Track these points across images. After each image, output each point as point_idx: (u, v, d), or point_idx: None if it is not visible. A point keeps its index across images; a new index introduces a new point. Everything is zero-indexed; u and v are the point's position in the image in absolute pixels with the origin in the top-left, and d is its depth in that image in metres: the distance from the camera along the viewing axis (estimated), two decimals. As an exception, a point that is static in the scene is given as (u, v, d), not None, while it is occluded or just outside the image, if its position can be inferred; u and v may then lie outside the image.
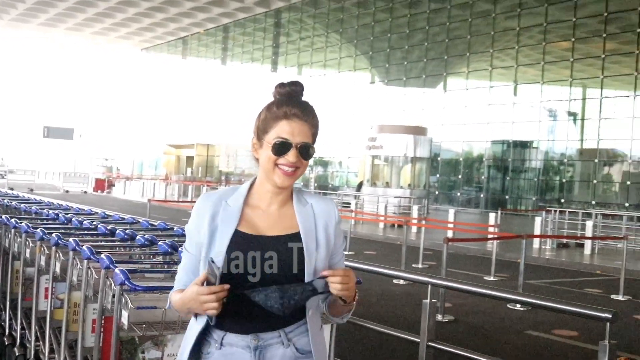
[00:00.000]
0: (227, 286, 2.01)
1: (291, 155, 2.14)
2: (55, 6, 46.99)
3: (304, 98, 2.23)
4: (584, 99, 31.33)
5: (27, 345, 5.31)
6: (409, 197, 26.82)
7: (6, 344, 5.68)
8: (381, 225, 23.07)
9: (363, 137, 29.75)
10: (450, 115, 35.25)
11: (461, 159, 35.89)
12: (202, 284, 2.02)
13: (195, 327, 2.18)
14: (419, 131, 29.00)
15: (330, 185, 41.39)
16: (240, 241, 2.12)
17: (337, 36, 42.92)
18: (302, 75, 44.44)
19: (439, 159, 35.97)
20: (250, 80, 48.40)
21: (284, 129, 2.15)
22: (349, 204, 25.96)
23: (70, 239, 4.36)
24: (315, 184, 40.05)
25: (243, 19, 48.12)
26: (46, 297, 5.02)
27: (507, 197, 33.59)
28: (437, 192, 35.97)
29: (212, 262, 2.00)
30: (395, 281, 11.53)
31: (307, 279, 2.09)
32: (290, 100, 2.18)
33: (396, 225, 22.71)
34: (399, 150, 27.88)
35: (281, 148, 2.14)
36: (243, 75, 49.72)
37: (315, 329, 2.18)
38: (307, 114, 2.17)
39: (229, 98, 49.35)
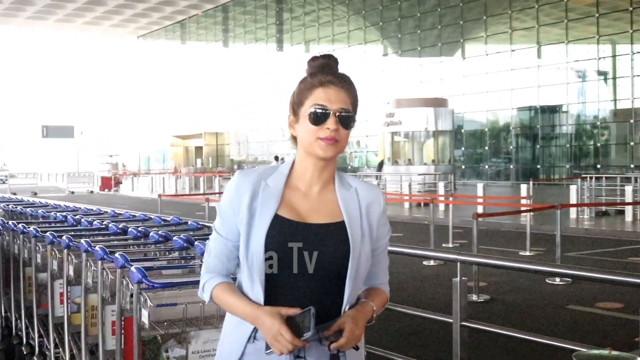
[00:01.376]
0: (307, 344, 2.00)
1: (330, 123, 2.09)
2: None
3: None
4: (613, 56, 31.05)
5: (47, 353, 5.42)
6: (433, 173, 26.78)
7: (24, 353, 5.80)
8: (406, 205, 23.06)
9: (380, 114, 29.67)
10: (471, 84, 35.08)
11: (486, 130, 35.75)
12: (285, 320, 2.00)
13: (243, 329, 2.15)
14: (439, 103, 28.91)
15: (349, 167, 41.41)
16: (280, 227, 2.10)
17: (344, 8, 42.77)
18: (310, 53, 44.35)
19: (462, 131, 35.85)
20: (256, 62, 48.39)
21: (319, 97, 2.12)
22: (371, 185, 25.88)
23: (82, 240, 4.44)
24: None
25: (243, -4, 48.15)
26: (62, 302, 5.11)
27: (538, 166, 33.46)
28: (463, 167, 35.89)
29: (313, 315, 1.96)
30: (425, 262, 11.56)
31: (350, 271, 2.08)
32: (325, 68, 2.16)
33: (422, 204, 22.68)
34: (419, 124, 27.81)
35: (319, 117, 2.10)
36: (247, 56, 49.70)
37: None
38: (343, 81, 2.15)
39: (234, 82, 49.41)
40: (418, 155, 28.66)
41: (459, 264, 4.11)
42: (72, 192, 38.58)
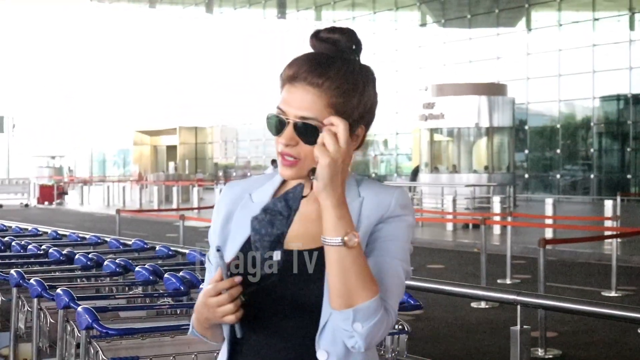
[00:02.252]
0: (238, 279, 2.07)
1: (282, 136, 2.13)
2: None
3: (362, 56, 2.22)
4: None
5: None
6: (486, 184, 26.68)
7: None
8: (449, 226, 22.98)
9: (415, 104, 29.59)
10: (539, 65, 35.00)
11: (558, 126, 35.64)
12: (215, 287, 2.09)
13: (222, 353, 2.28)
14: (495, 90, 28.83)
15: (373, 174, 41.33)
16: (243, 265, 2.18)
17: (369, -39, 42.86)
18: (322, 22, 44.41)
19: (526, 127, 35.77)
20: (249, 33, 48.41)
21: (282, 98, 2.16)
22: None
23: (12, 271, 4.45)
24: (354, 173, 40.06)
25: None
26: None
27: (628, 176, 33.31)
28: (526, 176, 35.79)
29: (218, 250, 2.11)
30: (473, 304, 11.50)
31: (326, 296, 2.09)
32: (305, 55, 2.16)
33: (471, 226, 22.59)
34: (467, 118, 27.70)
35: (276, 125, 2.16)
36: (238, 26, 49.73)
37: None
38: (319, 74, 2.10)
39: (220, 60, 49.44)
40: (466, 160, 28.56)
41: (519, 307, 4.07)
42: (0, 206, 38.70)
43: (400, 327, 3.61)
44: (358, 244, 2.02)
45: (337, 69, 2.11)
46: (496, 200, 22.96)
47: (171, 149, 54.93)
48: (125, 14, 59.40)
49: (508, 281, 13.81)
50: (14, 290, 4.40)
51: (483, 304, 11.55)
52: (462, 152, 28.72)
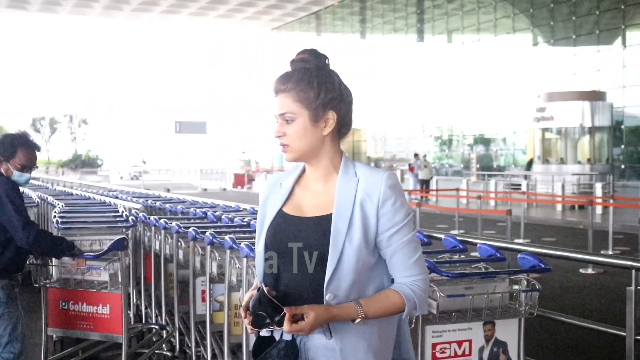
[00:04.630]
0: (246, 321, 2.25)
1: (274, 131, 2.37)
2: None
3: (340, 66, 2.49)
4: None
5: (188, 351, 5.61)
6: (589, 173, 25.92)
7: (154, 340, 6.02)
8: (559, 207, 22.41)
9: (529, 108, 29.05)
10: (634, 75, 33.61)
11: (650, 125, 34.20)
12: (250, 297, 2.29)
13: None
14: (596, 96, 27.96)
15: (495, 166, 40.68)
16: (280, 222, 2.38)
17: (492, -6, 42.00)
18: (453, 43, 43.88)
19: (622, 127, 34.42)
20: (394, 54, 48.31)
21: (274, 106, 2.37)
22: (519, 185, 25.40)
23: (226, 237, 4.55)
24: (478, 165, 39.46)
25: (382, -15, 48.14)
26: (204, 300, 5.28)
27: None
28: (622, 166, 34.46)
29: (260, 289, 2.24)
30: (582, 270, 11.19)
31: (330, 261, 2.23)
32: (279, 76, 2.38)
33: (577, 207, 22.00)
34: (573, 120, 27.08)
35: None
36: (385, 48, 49.70)
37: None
38: (283, 83, 2.35)
39: (371, 75, 49.52)
40: (572, 153, 27.84)
41: (633, 271, 3.91)
42: (205, 189, 39.84)
43: (532, 285, 3.53)
44: (364, 312, 2.23)
45: (295, 77, 2.34)
46: (598, 186, 22.32)
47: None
48: (299, 41, 59.95)
49: (610, 252, 13.35)
50: (227, 251, 4.50)
51: (590, 270, 11.20)
52: (569, 147, 28.05)
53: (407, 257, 2.32)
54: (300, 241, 2.29)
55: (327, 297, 2.23)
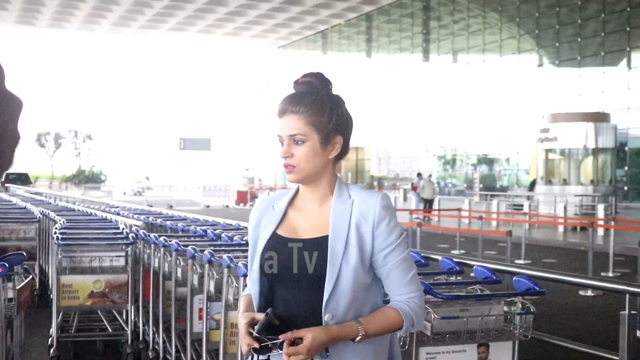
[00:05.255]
0: (255, 345, 2.23)
1: (282, 151, 2.38)
2: (184, 9, 49.10)
3: (334, 89, 2.46)
4: None
5: (184, 369, 5.62)
6: (592, 194, 25.89)
7: (151, 357, 6.04)
8: (560, 228, 22.39)
9: (533, 129, 29.06)
10: (638, 97, 33.62)
11: (654, 148, 34.19)
12: (250, 321, 2.28)
13: None
14: (600, 118, 27.93)
15: (498, 186, 40.65)
16: (274, 243, 2.39)
17: (497, 15, 42.13)
18: (458, 63, 43.98)
19: (626, 148, 34.41)
20: (400, 73, 48.41)
21: (278, 126, 2.38)
22: (522, 205, 25.36)
23: (224, 256, 4.58)
24: (481, 185, 39.44)
25: (388, 5, 48.21)
26: (201, 318, 5.30)
27: None
28: (626, 188, 34.42)
29: (268, 314, 2.25)
30: (581, 292, 11.17)
31: (328, 282, 2.27)
32: (287, 95, 2.40)
33: (579, 228, 21.97)
34: (577, 141, 27.01)
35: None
36: (391, 67, 49.82)
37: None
38: (295, 105, 2.36)
39: (376, 94, 49.63)
40: (575, 174, 27.78)
41: (627, 295, 3.92)
42: (208, 206, 39.85)
43: (527, 308, 3.55)
44: (364, 330, 2.26)
45: (308, 100, 2.36)
46: (600, 208, 22.32)
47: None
48: (305, 60, 60.09)
49: (610, 274, 13.35)
50: (225, 270, 4.53)
51: (590, 292, 11.18)
52: (572, 168, 27.95)
53: (403, 275, 2.37)
54: (300, 263, 2.32)
55: (325, 317, 2.25)
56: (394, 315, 2.33)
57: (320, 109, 2.35)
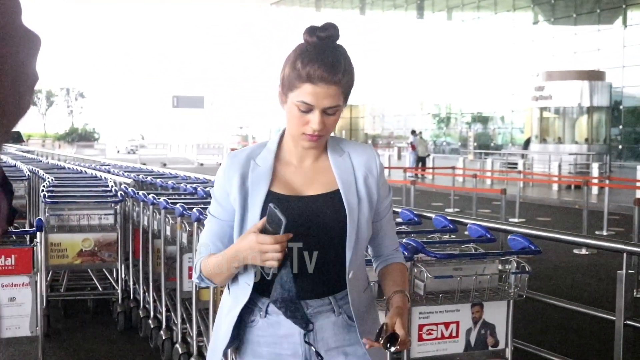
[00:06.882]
0: (290, 235, 2.02)
1: (314, 122, 2.12)
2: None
3: (339, 42, 2.27)
4: None
5: (174, 328, 5.56)
6: (586, 153, 25.87)
7: (152, 327, 5.98)
8: (555, 187, 22.39)
9: (528, 87, 28.99)
10: (633, 55, 33.47)
11: (648, 106, 34.12)
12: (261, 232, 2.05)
13: (239, 293, 2.22)
14: (595, 76, 27.80)
15: (492, 144, 40.63)
16: (274, 202, 2.15)
17: (492, -28, 41.75)
18: (453, 20, 43.67)
19: (620, 107, 34.34)
20: (394, 30, 48.08)
21: (307, 92, 2.12)
22: (516, 164, 25.32)
23: (194, 209, 4.52)
24: (475, 143, 39.37)
25: (382, -40, 47.80)
26: (190, 277, 5.22)
27: None
28: (620, 147, 34.41)
29: (275, 208, 2.00)
30: (576, 251, 11.15)
31: (349, 239, 2.17)
32: (317, 57, 2.15)
33: (573, 187, 21.97)
34: (571, 99, 26.93)
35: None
36: (385, 25, 49.46)
37: (355, 293, 2.23)
38: (334, 74, 2.12)
39: (370, 52, 49.30)
40: (569, 133, 27.74)
41: (625, 255, 3.85)
42: (202, 164, 39.77)
43: (522, 267, 3.49)
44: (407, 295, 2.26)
45: (343, 66, 2.16)
46: (595, 166, 22.31)
47: (331, 122, 55.15)
48: (298, 17, 59.62)
49: (604, 232, 13.33)
50: (195, 224, 4.46)
51: (584, 251, 11.16)
52: (566, 127, 27.91)
53: (392, 226, 2.41)
54: (318, 220, 2.17)
55: (350, 275, 2.20)
56: (405, 269, 2.38)
57: (352, 77, 2.20)
